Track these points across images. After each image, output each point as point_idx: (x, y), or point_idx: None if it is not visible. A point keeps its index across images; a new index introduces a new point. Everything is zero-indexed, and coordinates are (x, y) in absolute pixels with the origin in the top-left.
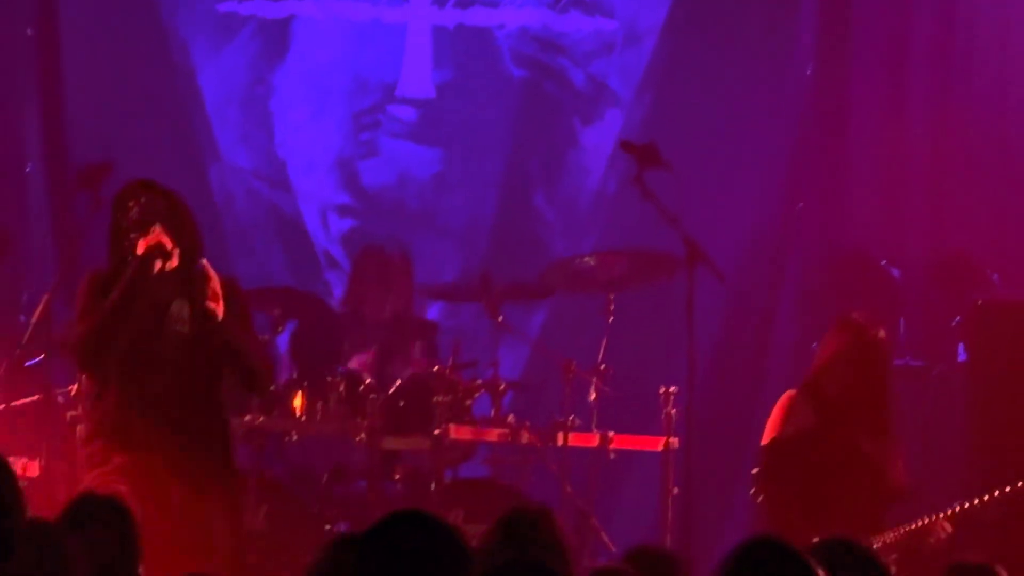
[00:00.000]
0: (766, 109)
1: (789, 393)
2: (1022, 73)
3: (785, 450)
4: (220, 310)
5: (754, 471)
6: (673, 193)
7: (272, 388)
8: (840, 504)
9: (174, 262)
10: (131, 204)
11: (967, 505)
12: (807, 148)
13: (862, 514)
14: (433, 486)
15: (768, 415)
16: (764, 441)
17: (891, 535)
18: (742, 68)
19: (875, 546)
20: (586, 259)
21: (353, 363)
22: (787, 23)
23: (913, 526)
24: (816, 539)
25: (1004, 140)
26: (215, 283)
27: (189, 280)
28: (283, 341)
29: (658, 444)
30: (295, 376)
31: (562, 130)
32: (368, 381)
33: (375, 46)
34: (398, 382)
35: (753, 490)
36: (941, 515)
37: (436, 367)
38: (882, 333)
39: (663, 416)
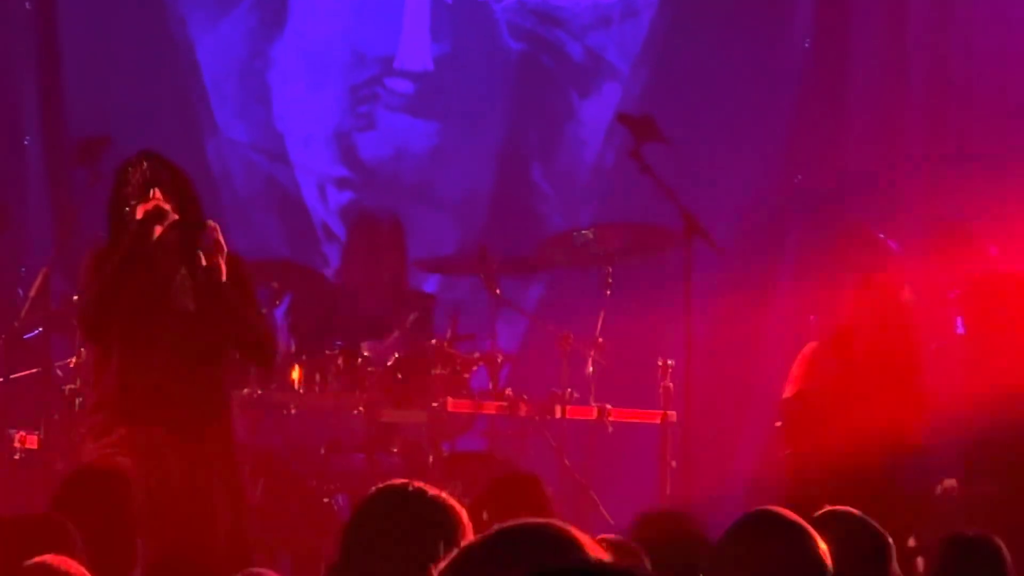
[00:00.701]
0: (765, 82)
1: (812, 345)
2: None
3: (810, 403)
4: (223, 268)
5: (777, 424)
6: (671, 166)
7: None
8: (858, 459)
9: (174, 230)
10: (132, 172)
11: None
12: (806, 121)
13: (879, 468)
14: (431, 459)
15: (765, 388)
16: (787, 394)
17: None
18: (740, 42)
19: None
20: (584, 232)
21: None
22: None
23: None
24: (826, 506)
25: (1004, 111)
26: (221, 241)
27: (192, 251)
28: (280, 314)
29: (656, 417)
30: (293, 349)
31: (560, 103)
32: (366, 354)
33: (373, 19)
34: (396, 355)
35: (776, 445)
36: (951, 482)
37: (434, 340)
38: (907, 293)
39: (661, 389)
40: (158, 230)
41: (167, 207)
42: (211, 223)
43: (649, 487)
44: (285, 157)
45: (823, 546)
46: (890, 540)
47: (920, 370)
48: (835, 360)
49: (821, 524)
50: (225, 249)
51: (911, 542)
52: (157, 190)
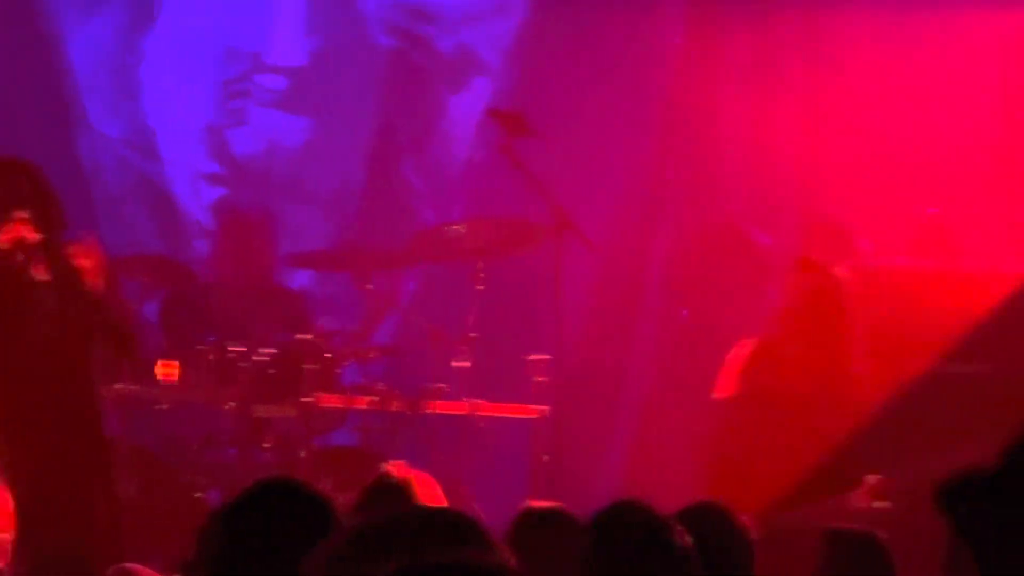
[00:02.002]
0: (636, 77)
1: (746, 343)
2: (895, 39)
3: (740, 406)
4: (99, 285)
5: (710, 426)
6: (542, 161)
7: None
8: (798, 458)
9: (37, 251)
10: None
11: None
12: (676, 115)
13: (815, 468)
14: (303, 454)
15: (636, 383)
16: (720, 395)
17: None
18: (611, 36)
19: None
20: (456, 227)
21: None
22: None
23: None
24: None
25: (875, 106)
26: (86, 245)
27: (55, 257)
28: (152, 309)
29: (527, 412)
30: (165, 344)
31: (431, 99)
32: (238, 349)
33: (245, 14)
34: (268, 350)
35: (709, 447)
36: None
37: (305, 335)
38: (840, 272)
39: (533, 384)
40: (19, 258)
41: (31, 236)
42: (79, 241)
43: (521, 482)
44: (156, 153)
45: (686, 539)
46: (751, 536)
47: (853, 354)
48: (769, 355)
49: (686, 518)
50: (91, 252)
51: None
52: (21, 213)
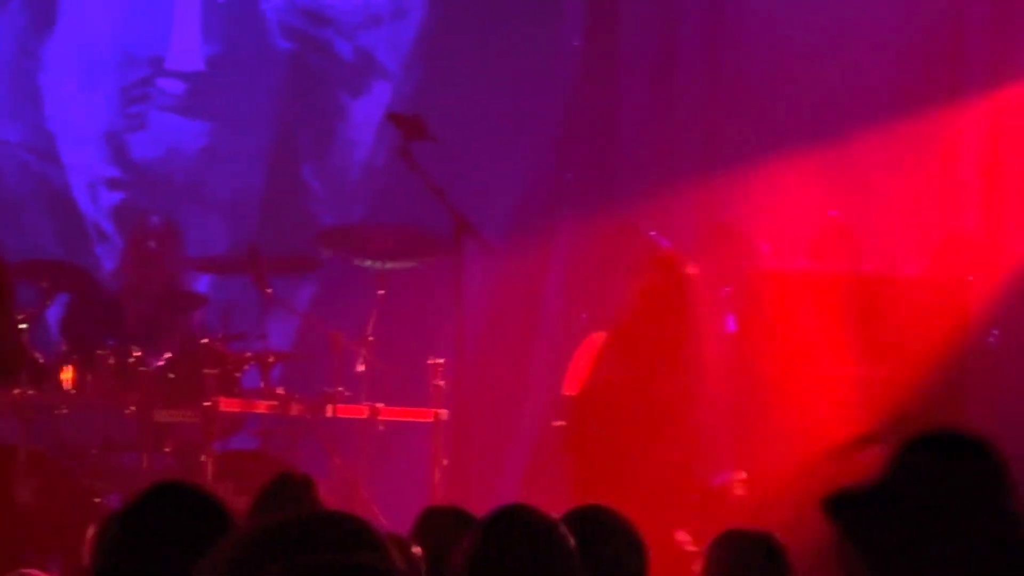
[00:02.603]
0: (535, 81)
1: (594, 337)
2: (794, 36)
3: (592, 401)
4: None
5: (557, 424)
6: (441, 165)
7: (41, 362)
8: (647, 455)
9: None
10: None
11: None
12: (576, 118)
13: (670, 464)
14: (203, 458)
15: (536, 385)
16: (570, 392)
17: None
18: (510, 40)
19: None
20: (356, 231)
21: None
22: None
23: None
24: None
25: (775, 108)
26: None
27: None
28: (52, 314)
29: (427, 415)
30: (65, 349)
31: (330, 103)
32: (138, 354)
33: (144, 19)
34: (168, 355)
35: (557, 445)
36: (733, 477)
37: (205, 340)
38: (692, 268)
39: (432, 387)
40: None
41: None
42: None
43: (421, 485)
44: (56, 157)
45: (570, 541)
46: (640, 539)
47: (700, 350)
48: (616, 349)
49: (572, 521)
50: None
51: (682, 536)
52: None
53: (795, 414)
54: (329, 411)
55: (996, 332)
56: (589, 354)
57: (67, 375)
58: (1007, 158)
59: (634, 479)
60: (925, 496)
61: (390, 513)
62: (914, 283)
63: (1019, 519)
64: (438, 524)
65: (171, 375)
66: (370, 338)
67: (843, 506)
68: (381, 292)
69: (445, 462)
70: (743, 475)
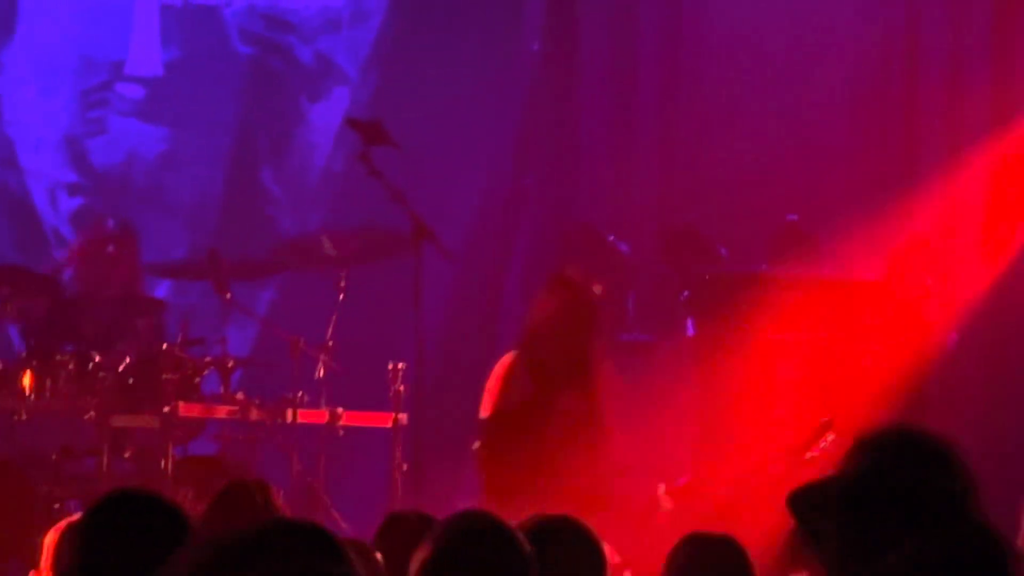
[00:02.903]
0: (494, 85)
1: (505, 359)
2: (752, 47)
3: (505, 422)
4: None
5: (475, 446)
6: (401, 170)
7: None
8: (563, 474)
9: None
10: None
11: (689, 483)
12: (535, 123)
13: (586, 484)
14: (163, 463)
15: None
16: (484, 414)
17: (618, 509)
18: (469, 44)
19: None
20: (316, 236)
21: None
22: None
23: (637, 504)
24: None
25: (732, 114)
26: None
27: None
28: (11, 319)
29: (387, 420)
30: (24, 354)
31: (290, 107)
32: (97, 359)
33: (103, 24)
34: (127, 360)
35: (476, 465)
36: (663, 489)
37: (165, 345)
38: (596, 289)
39: (392, 392)
40: None
41: None
42: None
43: (381, 490)
44: (15, 162)
45: (527, 547)
46: (599, 545)
47: (596, 371)
48: (525, 369)
49: (530, 528)
50: None
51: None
52: None
53: (753, 417)
54: (289, 416)
55: (954, 336)
56: (499, 375)
57: (26, 380)
58: (965, 163)
59: (548, 497)
60: (886, 494)
61: (350, 518)
62: (872, 288)
63: (980, 516)
64: (401, 530)
65: (130, 380)
66: (330, 343)
67: (805, 502)
68: (341, 297)
69: (405, 467)
70: (664, 488)
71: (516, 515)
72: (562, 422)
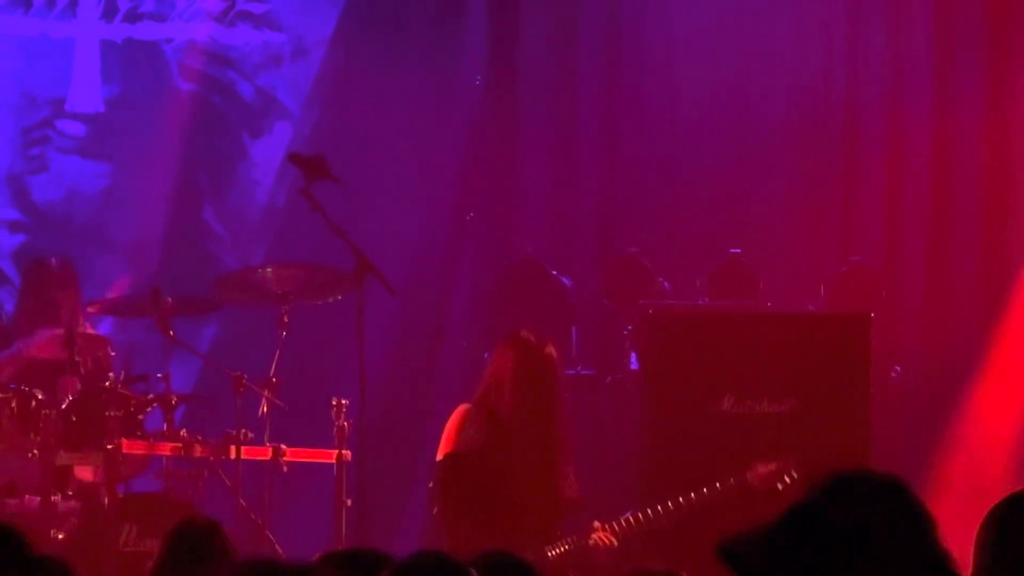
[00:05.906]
0: (436, 119)
1: (462, 408)
2: (690, 76)
3: (459, 464)
4: None
5: (430, 485)
6: (343, 205)
7: None
8: (514, 517)
9: None
10: None
11: (633, 519)
12: (477, 158)
13: (536, 526)
14: (106, 501)
15: (441, 426)
16: (439, 456)
17: (561, 549)
18: (411, 79)
19: (550, 558)
20: (259, 272)
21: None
22: (456, 34)
23: (580, 541)
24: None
25: (674, 147)
26: None
27: None
28: None
29: (331, 456)
30: None
31: (231, 143)
32: (40, 397)
33: (44, 61)
34: (70, 397)
35: (429, 505)
36: (605, 529)
37: (107, 382)
38: (551, 349)
39: (335, 428)
40: None
41: None
42: None
43: (325, 526)
44: None
45: None
46: None
47: (561, 424)
48: (481, 419)
49: (481, 565)
50: None
51: None
52: None
53: (697, 452)
54: (232, 452)
55: (898, 368)
56: (456, 422)
57: None
58: (908, 191)
59: (501, 534)
60: (841, 537)
61: (295, 554)
62: (815, 320)
63: (940, 556)
64: (339, 567)
65: (73, 418)
66: (273, 379)
67: (739, 554)
68: (283, 333)
69: (349, 502)
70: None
71: (468, 552)
72: (517, 470)
